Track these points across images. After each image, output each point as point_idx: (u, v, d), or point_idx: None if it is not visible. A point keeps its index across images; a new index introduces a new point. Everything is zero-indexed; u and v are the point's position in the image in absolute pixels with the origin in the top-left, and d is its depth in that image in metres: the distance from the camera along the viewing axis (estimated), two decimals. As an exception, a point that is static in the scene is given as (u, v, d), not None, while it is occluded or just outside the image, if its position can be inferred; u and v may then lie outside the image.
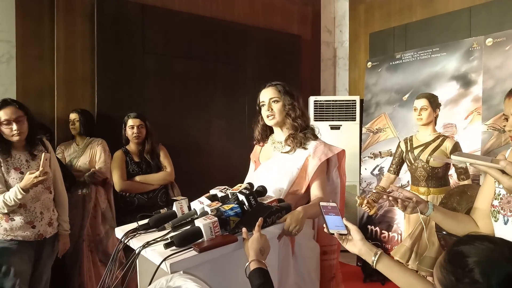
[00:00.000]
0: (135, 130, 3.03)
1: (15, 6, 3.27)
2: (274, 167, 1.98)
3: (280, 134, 2.03)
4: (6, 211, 2.18)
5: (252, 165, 2.24)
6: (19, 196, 2.13)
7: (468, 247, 0.91)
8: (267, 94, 1.98)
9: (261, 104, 2.01)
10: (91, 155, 3.14)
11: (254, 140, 2.18)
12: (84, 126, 3.22)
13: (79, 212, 3.07)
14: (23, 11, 3.30)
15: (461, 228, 1.50)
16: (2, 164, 2.22)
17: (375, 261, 1.24)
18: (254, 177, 2.04)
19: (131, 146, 3.10)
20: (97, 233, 3.14)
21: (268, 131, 2.12)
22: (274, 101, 1.96)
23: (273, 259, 1.58)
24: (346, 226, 1.32)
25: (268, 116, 1.97)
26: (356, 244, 1.29)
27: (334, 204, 1.42)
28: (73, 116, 3.23)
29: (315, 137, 2.00)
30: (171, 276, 1.20)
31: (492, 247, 0.89)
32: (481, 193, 1.54)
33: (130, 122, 3.05)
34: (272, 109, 1.95)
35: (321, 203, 1.42)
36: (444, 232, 1.58)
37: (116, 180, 2.97)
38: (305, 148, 1.94)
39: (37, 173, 2.11)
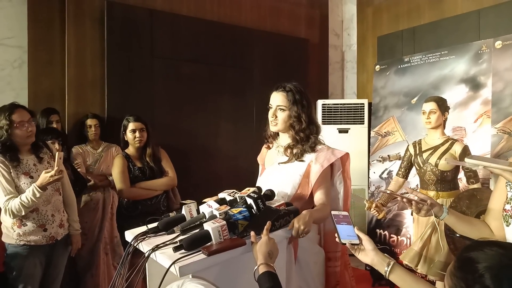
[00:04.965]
0: (137, 134, 2.89)
1: (27, 12, 3.33)
2: (277, 173, 1.98)
3: (284, 139, 2.01)
4: (23, 213, 2.18)
5: (260, 169, 2.24)
6: (37, 195, 2.15)
7: (477, 253, 0.90)
8: (276, 100, 1.94)
9: (268, 106, 1.98)
10: (112, 159, 3.18)
11: (265, 137, 2.14)
12: (102, 131, 3.31)
13: (98, 214, 3.11)
14: (34, 17, 3.36)
15: (475, 233, 1.48)
16: (11, 170, 2.24)
17: (387, 272, 1.22)
18: (260, 182, 2.06)
19: (131, 150, 2.96)
20: (114, 236, 3.18)
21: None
22: (281, 109, 1.92)
23: (281, 262, 1.58)
24: (358, 236, 1.32)
25: (271, 122, 1.96)
26: (369, 254, 1.28)
27: (346, 213, 1.42)
28: (93, 121, 3.27)
29: (319, 144, 1.95)
30: (182, 282, 1.20)
31: (502, 252, 0.88)
32: (493, 197, 1.52)
33: (131, 125, 2.91)
34: (276, 117, 1.93)
35: (333, 212, 1.41)
36: (457, 235, 1.56)
37: (121, 187, 2.82)
38: (302, 161, 1.91)
39: (53, 172, 2.12)
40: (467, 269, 0.89)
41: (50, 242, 2.34)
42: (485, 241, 0.96)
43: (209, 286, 1.21)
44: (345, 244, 1.31)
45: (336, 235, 1.34)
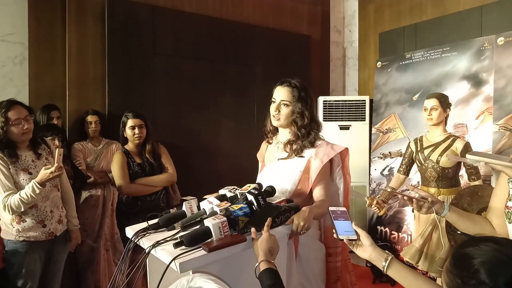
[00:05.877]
0: (136, 130, 2.87)
1: (28, 9, 3.33)
2: (276, 169, 1.98)
3: (284, 134, 2.01)
4: (22, 209, 2.19)
5: (260, 165, 2.23)
6: (37, 191, 2.15)
7: (472, 248, 0.90)
8: (280, 94, 1.92)
9: (272, 100, 1.96)
10: (113, 156, 3.18)
11: (264, 133, 2.13)
12: (102, 128, 3.31)
13: (98, 211, 3.12)
14: (35, 13, 3.35)
15: (477, 230, 1.48)
16: (10, 166, 2.23)
17: (385, 267, 1.22)
18: (260, 178, 2.05)
19: (131, 146, 2.94)
20: (115, 232, 3.19)
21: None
22: (285, 104, 1.90)
23: (282, 259, 1.58)
24: (355, 231, 1.31)
25: (274, 116, 1.94)
26: (366, 250, 1.27)
27: (343, 209, 1.41)
28: (93, 118, 3.27)
29: (318, 139, 1.95)
30: (192, 277, 1.21)
31: (496, 248, 0.87)
32: (495, 194, 1.52)
33: (130, 122, 2.89)
34: (279, 111, 1.91)
35: (330, 208, 1.41)
36: (458, 232, 1.56)
37: (120, 183, 2.82)
38: (301, 157, 1.91)
39: (53, 168, 2.13)
40: (463, 265, 0.89)
41: (50, 238, 2.35)
42: (480, 237, 0.95)
43: (217, 281, 1.21)
44: (343, 240, 1.31)
45: (333, 231, 1.33)
